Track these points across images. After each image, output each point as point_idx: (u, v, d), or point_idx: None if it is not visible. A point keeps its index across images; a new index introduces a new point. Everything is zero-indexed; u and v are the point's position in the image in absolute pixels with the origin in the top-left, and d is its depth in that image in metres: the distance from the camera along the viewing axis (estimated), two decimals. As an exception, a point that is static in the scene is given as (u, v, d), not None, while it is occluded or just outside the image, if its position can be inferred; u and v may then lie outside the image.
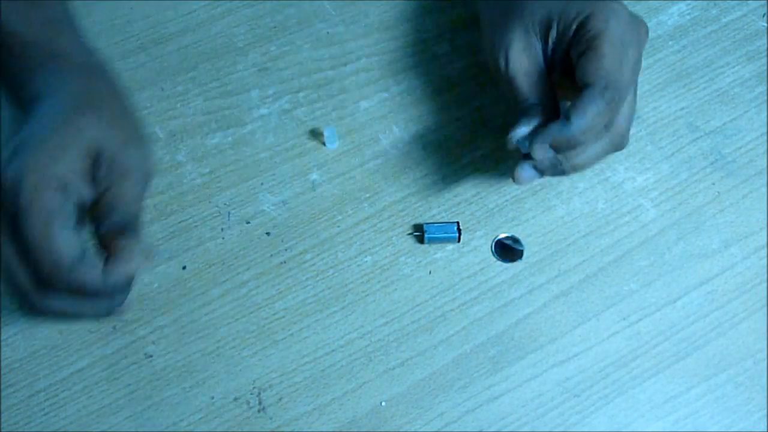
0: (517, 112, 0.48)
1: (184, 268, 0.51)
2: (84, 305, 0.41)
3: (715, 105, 0.57)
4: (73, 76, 0.45)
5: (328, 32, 0.58)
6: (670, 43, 0.59)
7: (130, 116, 0.46)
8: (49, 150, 0.40)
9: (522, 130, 0.46)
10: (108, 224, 0.42)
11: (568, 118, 0.44)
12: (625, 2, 0.59)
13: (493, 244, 0.52)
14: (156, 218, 0.52)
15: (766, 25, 0.60)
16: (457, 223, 0.52)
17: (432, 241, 0.51)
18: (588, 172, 0.54)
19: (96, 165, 0.42)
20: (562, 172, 0.47)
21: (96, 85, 0.46)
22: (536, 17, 0.47)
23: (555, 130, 0.44)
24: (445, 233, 0.51)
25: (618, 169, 0.55)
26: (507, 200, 0.53)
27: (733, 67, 0.58)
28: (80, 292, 0.40)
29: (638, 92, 0.56)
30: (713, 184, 0.54)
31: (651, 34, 0.59)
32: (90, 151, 0.41)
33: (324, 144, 0.54)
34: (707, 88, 0.57)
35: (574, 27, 0.46)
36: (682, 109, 0.57)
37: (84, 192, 0.41)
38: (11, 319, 0.49)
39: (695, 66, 0.58)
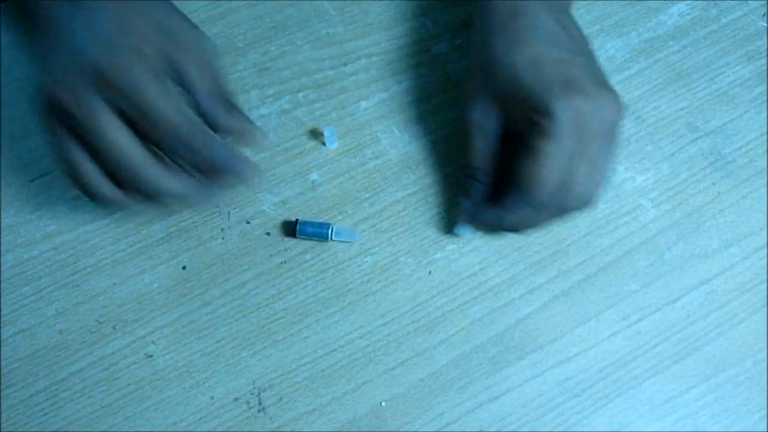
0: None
1: (184, 268, 0.51)
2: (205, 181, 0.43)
3: (715, 105, 0.57)
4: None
5: (328, 32, 0.58)
6: (670, 43, 0.59)
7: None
8: (124, 31, 0.41)
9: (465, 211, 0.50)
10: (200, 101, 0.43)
11: (504, 208, 0.47)
12: (625, 3, 0.60)
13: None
14: (156, 218, 0.52)
15: (766, 25, 0.59)
16: (331, 225, 0.51)
17: (303, 234, 0.51)
18: (588, 172, 0.54)
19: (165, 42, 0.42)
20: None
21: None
22: (498, 85, 0.47)
23: (489, 218, 0.49)
24: (318, 229, 0.51)
25: (618, 169, 0.55)
26: (507, 200, 0.53)
27: (733, 67, 0.58)
28: (203, 152, 0.41)
29: (638, 92, 0.57)
30: (713, 184, 0.54)
31: (651, 34, 0.59)
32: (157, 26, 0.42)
33: (324, 144, 0.54)
34: (707, 88, 0.57)
35: (528, 116, 0.45)
36: (682, 109, 0.57)
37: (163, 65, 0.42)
38: (11, 319, 0.49)
39: (695, 66, 0.58)
